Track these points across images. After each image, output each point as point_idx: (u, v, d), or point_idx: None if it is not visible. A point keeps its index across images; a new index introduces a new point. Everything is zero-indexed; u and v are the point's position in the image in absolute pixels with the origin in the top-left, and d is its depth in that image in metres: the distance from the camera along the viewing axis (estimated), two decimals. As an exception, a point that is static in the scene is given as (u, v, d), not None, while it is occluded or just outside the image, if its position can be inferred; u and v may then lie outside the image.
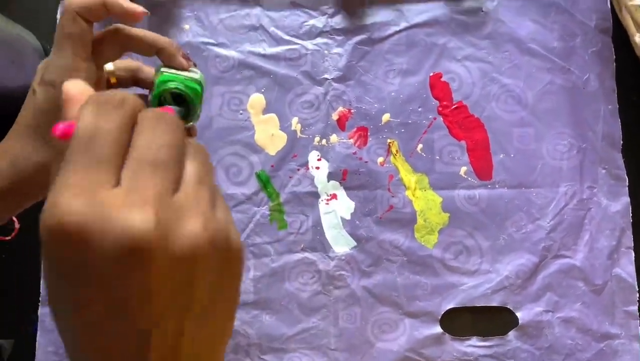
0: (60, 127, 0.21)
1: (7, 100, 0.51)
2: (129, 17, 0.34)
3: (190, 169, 0.22)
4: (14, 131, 0.36)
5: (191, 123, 0.36)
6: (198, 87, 0.35)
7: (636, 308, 0.52)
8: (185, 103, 0.35)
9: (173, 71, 0.35)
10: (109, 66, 0.37)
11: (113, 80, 0.37)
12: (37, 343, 0.52)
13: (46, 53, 0.56)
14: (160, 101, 0.34)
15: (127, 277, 0.19)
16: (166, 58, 0.35)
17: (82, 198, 0.19)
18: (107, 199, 0.19)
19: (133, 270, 0.19)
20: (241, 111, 0.56)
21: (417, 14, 0.56)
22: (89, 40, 0.34)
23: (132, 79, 0.38)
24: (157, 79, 0.34)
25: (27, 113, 0.35)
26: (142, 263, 0.19)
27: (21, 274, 0.53)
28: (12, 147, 0.35)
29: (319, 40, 0.56)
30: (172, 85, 0.34)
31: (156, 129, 0.21)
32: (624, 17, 0.49)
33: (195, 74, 0.36)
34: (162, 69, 0.35)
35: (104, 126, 0.21)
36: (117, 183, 0.20)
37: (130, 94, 0.22)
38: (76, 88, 0.23)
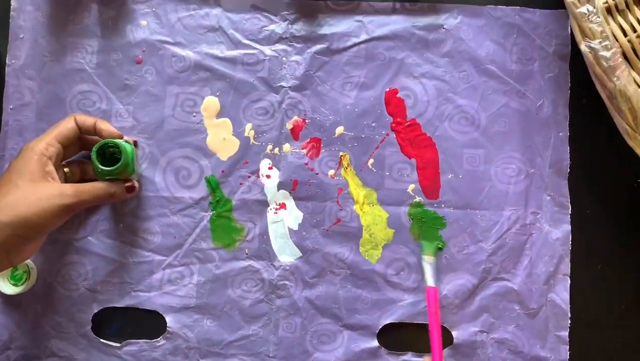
0: None
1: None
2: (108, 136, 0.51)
3: None
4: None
5: (133, 177, 0.52)
6: (129, 146, 0.50)
7: (567, 333, 0.54)
8: (119, 160, 0.49)
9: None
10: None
11: (66, 170, 0.51)
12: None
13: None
14: (99, 155, 0.49)
15: None
16: (105, 133, 0.51)
17: None
18: None
19: None
20: (194, 113, 0.55)
21: (378, 26, 0.56)
22: (73, 138, 0.50)
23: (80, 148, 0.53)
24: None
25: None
26: None
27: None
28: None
29: (278, 46, 0.56)
30: (108, 140, 0.49)
31: None
32: (572, 24, 0.49)
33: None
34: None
35: None
36: None
37: None
38: None
